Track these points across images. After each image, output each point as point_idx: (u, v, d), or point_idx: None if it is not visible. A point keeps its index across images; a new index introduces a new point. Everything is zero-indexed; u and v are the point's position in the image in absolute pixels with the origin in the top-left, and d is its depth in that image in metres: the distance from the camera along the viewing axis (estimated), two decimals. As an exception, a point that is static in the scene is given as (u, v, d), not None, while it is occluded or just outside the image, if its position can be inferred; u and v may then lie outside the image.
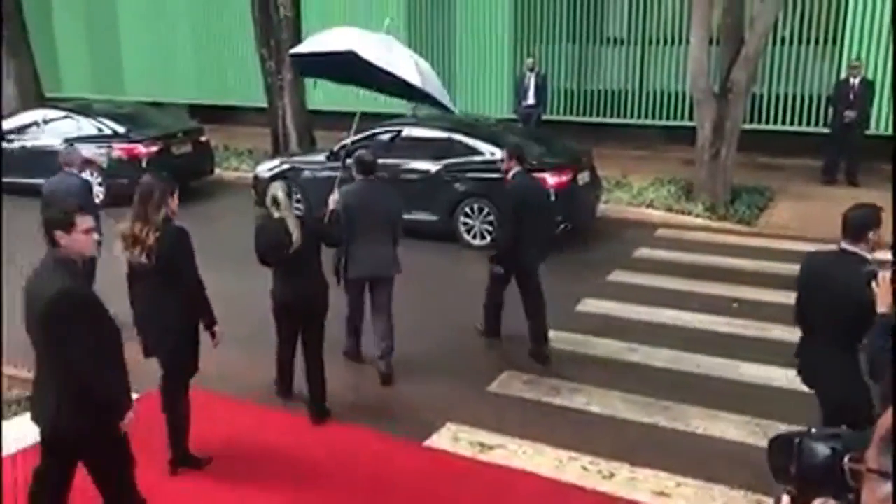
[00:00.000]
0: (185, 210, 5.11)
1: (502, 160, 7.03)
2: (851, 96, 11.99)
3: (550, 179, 9.39)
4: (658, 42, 15.02)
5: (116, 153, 12.04)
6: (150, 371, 5.03)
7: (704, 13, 10.88)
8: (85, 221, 3.77)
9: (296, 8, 13.70)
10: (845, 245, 4.26)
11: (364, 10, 16.94)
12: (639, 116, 15.37)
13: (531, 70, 14.27)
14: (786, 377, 6.24)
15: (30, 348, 3.86)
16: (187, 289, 4.92)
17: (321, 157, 10.63)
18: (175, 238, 4.81)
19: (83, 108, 13.17)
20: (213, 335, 5.13)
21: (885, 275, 3.82)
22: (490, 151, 9.75)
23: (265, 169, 11.18)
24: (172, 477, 5.02)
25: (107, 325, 3.84)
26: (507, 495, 4.94)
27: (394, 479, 5.08)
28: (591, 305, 7.93)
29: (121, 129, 12.32)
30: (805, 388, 5.97)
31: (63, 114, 12.83)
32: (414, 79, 6.25)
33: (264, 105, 14.58)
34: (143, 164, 11.66)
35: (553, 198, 9.34)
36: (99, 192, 11.59)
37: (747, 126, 12.25)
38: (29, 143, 12.51)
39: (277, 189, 5.53)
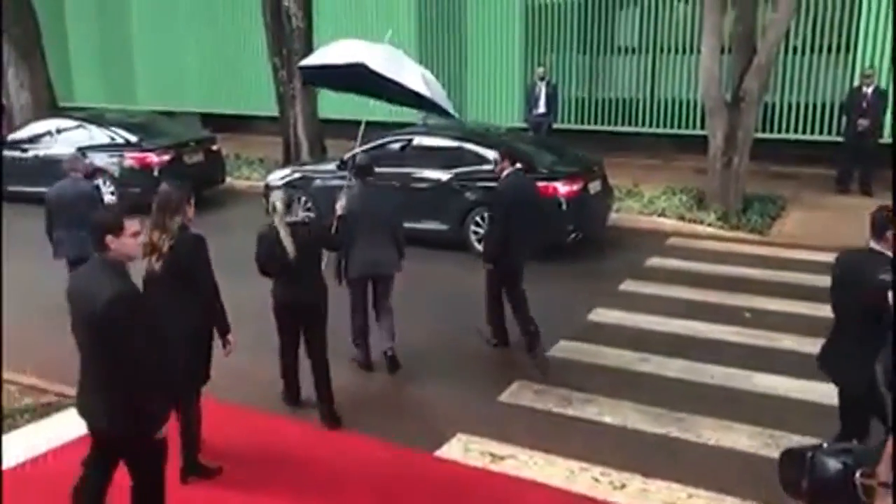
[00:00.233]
0: (196, 219, 5.12)
1: (496, 161, 7.25)
2: (864, 105, 11.92)
3: (562, 188, 9.38)
4: (669, 51, 15.00)
5: (128, 162, 12.11)
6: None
7: (716, 22, 10.86)
8: (133, 225, 3.86)
9: (308, 18, 13.76)
10: (873, 244, 4.46)
11: (375, 19, 17.05)
12: (650, 125, 15.34)
13: (542, 79, 14.27)
14: (799, 388, 6.21)
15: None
16: (203, 296, 4.94)
17: (332, 167, 10.64)
18: (192, 245, 4.87)
19: (96, 118, 13.25)
20: (225, 343, 5.13)
21: None
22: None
23: (276, 178, 11.19)
24: (183, 486, 5.01)
25: (157, 329, 3.96)
26: (517, 506, 4.91)
27: (404, 489, 5.06)
28: (602, 315, 7.89)
29: (133, 139, 12.40)
30: (818, 399, 5.96)
31: (76, 123, 12.92)
32: (421, 88, 6.55)
33: (276, 114, 14.65)
34: (156, 173, 11.74)
35: (564, 206, 9.39)
36: (111, 201, 11.68)
37: (760, 135, 12.20)
38: (42, 153, 12.60)
39: (276, 198, 5.66)
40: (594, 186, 9.96)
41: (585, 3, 15.49)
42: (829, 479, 1.93)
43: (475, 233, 9.77)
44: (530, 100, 14.47)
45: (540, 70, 14.43)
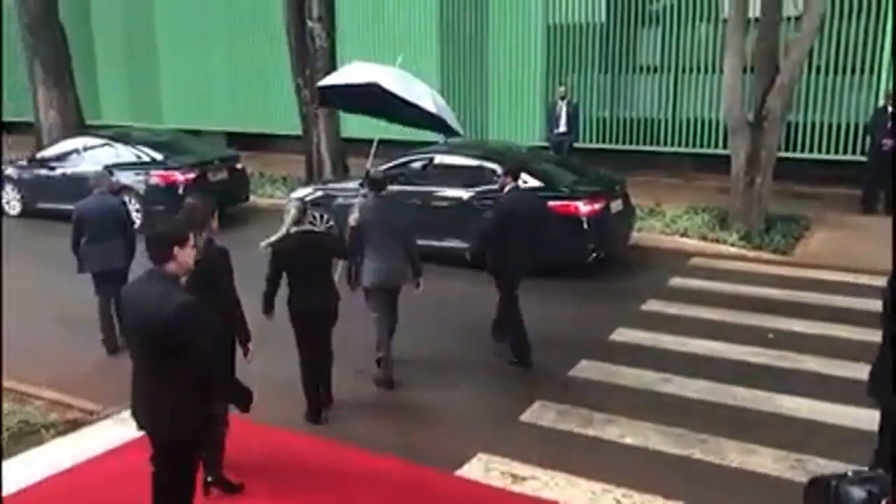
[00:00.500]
0: (220, 235, 5.19)
1: (499, 176, 7.64)
2: (889, 125, 11.83)
3: (583, 207, 9.38)
4: (691, 70, 14.99)
5: (154, 180, 12.26)
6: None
7: (738, 41, 10.85)
8: (192, 238, 4.02)
9: (331, 39, 13.91)
10: None
11: (398, 38, 17.19)
12: (672, 144, 15.32)
13: (562, 98, 14.31)
14: (824, 410, 6.14)
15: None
16: (226, 307, 5.03)
17: (353, 185, 10.69)
18: (217, 257, 4.99)
19: (122, 136, 13.43)
20: (246, 351, 5.23)
21: None
22: (522, 179, 9.74)
23: (299, 196, 11.28)
24: (204, 497, 5.04)
25: (218, 332, 4.21)
26: (539, 527, 4.89)
27: (425, 508, 5.05)
28: (625, 335, 7.85)
29: (158, 157, 12.55)
30: (844, 422, 5.89)
31: (103, 141, 13.08)
32: (429, 105, 6.98)
33: (299, 133, 14.78)
34: (181, 190, 11.85)
35: (586, 225, 9.38)
36: (136, 218, 11.82)
37: (783, 154, 12.14)
38: (69, 170, 12.78)
39: (291, 206, 5.97)
40: (616, 205, 9.95)
41: (607, 22, 15.56)
42: (855, 509, 1.92)
43: (496, 252, 9.76)
44: (551, 119, 14.50)
45: (561, 89, 14.47)
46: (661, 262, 10.30)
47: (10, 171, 13.62)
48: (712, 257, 10.51)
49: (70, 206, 7.90)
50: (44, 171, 13.19)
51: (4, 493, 4.91)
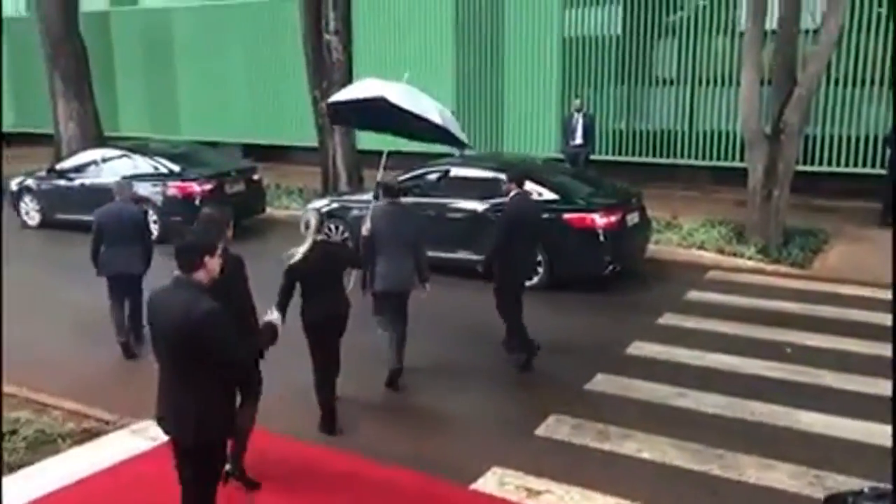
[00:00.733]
0: (236, 246, 5.22)
1: (503, 183, 7.84)
2: (909, 138, 11.75)
3: (599, 220, 9.35)
4: (708, 82, 14.97)
5: (171, 191, 12.35)
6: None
7: (756, 54, 10.81)
8: (220, 248, 4.20)
9: (347, 51, 13.98)
10: None
11: (414, 50, 17.28)
12: (689, 157, 15.27)
13: (578, 110, 14.31)
14: (842, 426, 6.07)
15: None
16: (240, 314, 5.06)
17: (369, 196, 10.72)
18: (233, 265, 5.02)
19: (140, 148, 13.54)
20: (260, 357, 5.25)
21: None
22: (537, 192, 9.74)
23: (316, 207, 11.32)
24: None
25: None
26: (554, 542, 4.84)
27: (439, 522, 5.02)
28: (641, 348, 7.80)
29: (176, 168, 12.65)
30: (862, 438, 5.82)
31: (121, 153, 13.20)
32: (435, 118, 7.19)
33: (315, 145, 14.85)
34: (197, 202, 11.92)
35: (602, 238, 9.36)
36: (154, 229, 11.90)
37: (801, 167, 12.08)
38: (88, 182, 12.89)
39: (310, 216, 6.07)
40: (632, 218, 9.91)
41: (623, 35, 15.56)
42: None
43: (512, 264, 9.75)
44: (567, 131, 14.49)
45: (577, 102, 14.47)
46: (677, 276, 10.25)
47: (29, 182, 13.76)
48: (729, 271, 10.44)
49: (89, 217, 8.02)
50: (63, 183, 13.32)
51: (21, 502, 4.95)
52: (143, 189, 12.10)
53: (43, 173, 13.82)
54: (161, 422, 4.16)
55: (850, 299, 9.05)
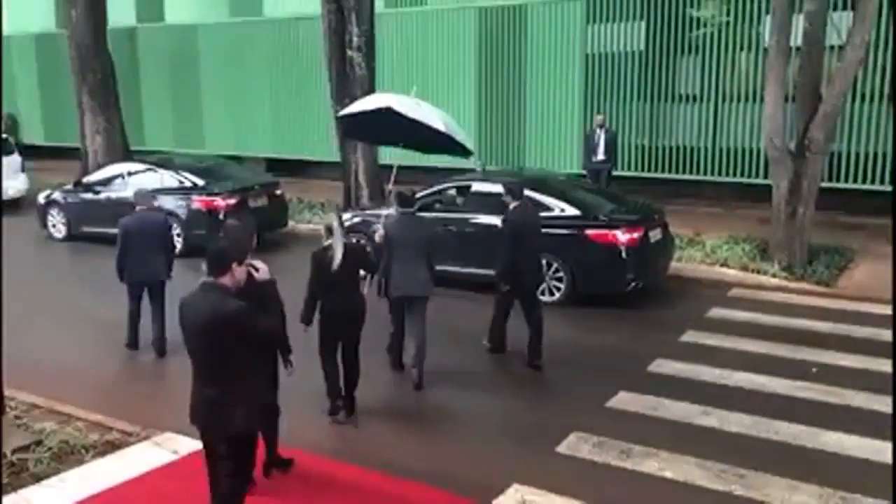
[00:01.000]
0: (259, 259, 5.24)
1: (503, 195, 8.14)
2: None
3: (621, 236, 9.32)
4: (732, 99, 14.89)
5: (196, 205, 12.46)
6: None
7: (780, 70, 10.74)
8: (248, 257, 4.55)
9: (370, 68, 14.07)
10: None
11: (436, 65, 17.37)
12: (712, 173, 15.18)
13: (601, 126, 14.28)
14: (869, 447, 5.97)
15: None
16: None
17: (391, 211, 10.76)
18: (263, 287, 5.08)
19: (165, 162, 13.70)
20: (287, 364, 5.36)
21: None
22: (560, 207, 9.74)
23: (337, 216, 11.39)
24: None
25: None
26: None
27: (459, 539, 4.99)
28: (663, 366, 7.74)
29: (200, 183, 12.77)
30: (889, 460, 5.71)
31: (146, 167, 13.35)
32: (439, 126, 7.52)
33: (338, 160, 14.93)
34: (221, 216, 12.01)
35: (624, 254, 9.31)
36: (178, 242, 12.01)
37: (826, 184, 11.95)
38: (114, 195, 13.04)
39: (333, 219, 6.45)
40: (655, 234, 9.86)
41: (645, 51, 15.53)
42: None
43: (533, 280, 9.72)
44: (589, 147, 14.47)
45: (599, 118, 14.45)
46: (700, 293, 10.17)
47: (56, 195, 13.94)
48: (753, 288, 10.35)
49: (114, 230, 8.18)
50: (89, 196, 13.48)
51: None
52: (167, 203, 12.23)
53: (70, 187, 14.01)
54: (195, 418, 4.35)
55: (877, 318, 8.92)
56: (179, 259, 8.19)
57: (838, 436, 6.19)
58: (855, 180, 13.88)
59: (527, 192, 9.95)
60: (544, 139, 16.62)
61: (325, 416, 6.50)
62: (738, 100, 14.81)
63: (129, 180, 13.05)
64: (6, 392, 6.23)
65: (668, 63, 15.41)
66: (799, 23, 10.92)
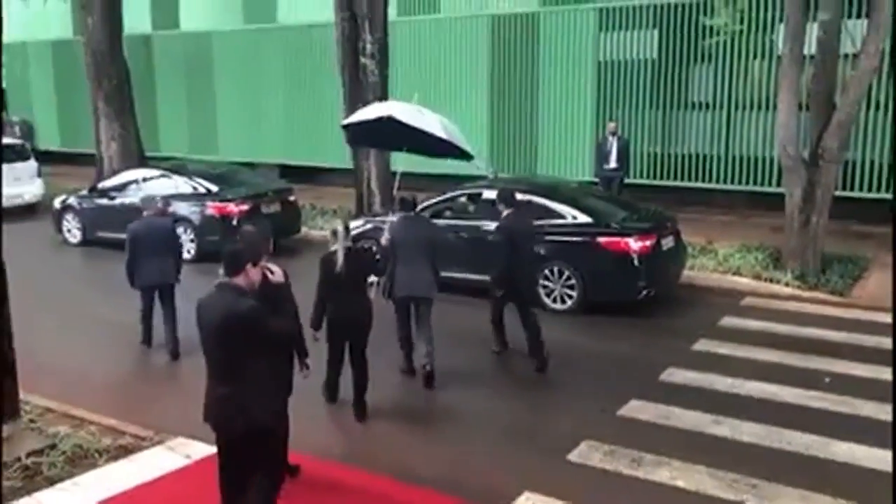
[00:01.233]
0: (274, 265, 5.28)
1: (495, 203, 8.30)
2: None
3: (634, 244, 9.30)
4: (745, 107, 14.86)
5: (209, 211, 12.53)
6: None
7: (793, 78, 10.72)
8: (263, 259, 4.68)
9: (383, 75, 14.12)
10: None
11: (449, 72, 17.41)
12: (725, 181, 15.15)
13: (613, 134, 14.25)
14: (882, 458, 5.93)
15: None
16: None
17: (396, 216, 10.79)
18: (278, 287, 5.13)
19: (179, 168, 13.80)
20: (304, 366, 5.46)
21: None
22: (571, 215, 9.74)
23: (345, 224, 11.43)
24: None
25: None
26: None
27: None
28: (675, 375, 7.72)
29: (214, 189, 12.84)
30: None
31: (160, 173, 13.46)
32: (440, 132, 7.67)
33: (350, 167, 14.98)
34: (235, 222, 12.08)
35: (636, 262, 9.30)
36: (190, 248, 12.08)
37: (840, 193, 11.89)
38: (128, 201, 13.10)
39: (338, 224, 6.64)
40: (667, 243, 9.84)
41: (658, 58, 15.52)
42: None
43: (544, 287, 9.72)
44: (601, 154, 14.45)
45: (611, 125, 14.42)
46: (712, 301, 10.14)
47: (71, 200, 14.05)
48: (766, 297, 10.30)
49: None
50: (104, 202, 13.59)
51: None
52: (181, 209, 12.31)
53: (85, 192, 14.12)
54: (208, 416, 4.41)
55: (890, 328, 8.86)
56: (193, 264, 8.25)
57: (849, 446, 6.15)
58: (869, 189, 13.80)
59: (537, 200, 10.08)
60: (556, 146, 16.62)
61: (333, 419, 6.54)
62: (752, 108, 14.78)
63: (144, 186, 13.13)
64: (21, 396, 6.28)
65: (681, 71, 15.40)
66: (813, 31, 10.88)
